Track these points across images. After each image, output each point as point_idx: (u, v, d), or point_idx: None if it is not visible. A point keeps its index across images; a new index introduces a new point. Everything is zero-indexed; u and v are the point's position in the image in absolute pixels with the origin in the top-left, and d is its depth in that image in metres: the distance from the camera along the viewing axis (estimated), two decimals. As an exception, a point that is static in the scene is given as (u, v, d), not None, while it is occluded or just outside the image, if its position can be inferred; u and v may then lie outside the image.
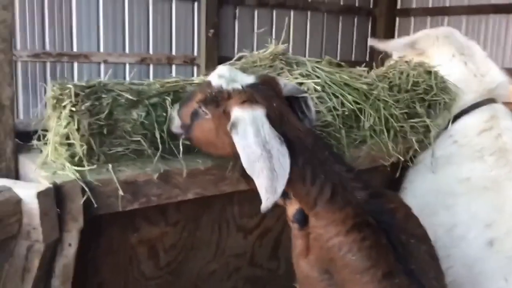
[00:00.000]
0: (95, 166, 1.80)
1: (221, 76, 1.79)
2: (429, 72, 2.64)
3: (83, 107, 1.74)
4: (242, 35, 7.92)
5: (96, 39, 6.86)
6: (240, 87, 1.76)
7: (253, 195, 2.09)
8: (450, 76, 2.82)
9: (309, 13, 8.56)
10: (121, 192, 1.82)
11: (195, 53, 7.58)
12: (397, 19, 8.98)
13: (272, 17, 8.21)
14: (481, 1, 7.70)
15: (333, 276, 1.82)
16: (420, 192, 2.65)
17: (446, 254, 2.41)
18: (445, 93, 2.61)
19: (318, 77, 2.17)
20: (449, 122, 2.72)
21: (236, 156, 1.75)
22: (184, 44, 7.48)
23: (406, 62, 2.68)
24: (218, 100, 1.76)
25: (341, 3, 8.96)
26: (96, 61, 6.85)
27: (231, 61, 2.29)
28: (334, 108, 2.14)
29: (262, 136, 1.64)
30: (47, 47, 6.59)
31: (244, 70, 2.20)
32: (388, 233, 1.74)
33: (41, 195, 1.64)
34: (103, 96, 1.82)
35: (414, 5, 8.76)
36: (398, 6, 9.06)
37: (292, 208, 1.97)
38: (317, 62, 2.31)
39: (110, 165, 1.84)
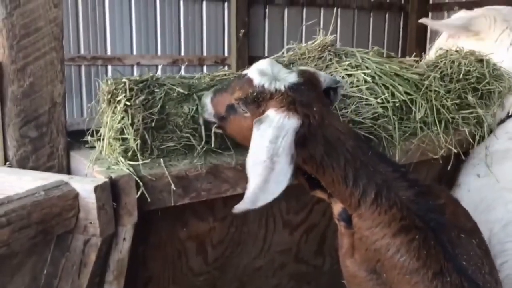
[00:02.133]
0: (148, 160, 1.80)
1: (264, 74, 1.73)
2: (480, 61, 2.55)
3: (137, 101, 1.74)
4: (272, 34, 7.91)
5: (129, 41, 6.96)
6: (282, 88, 1.70)
7: (300, 190, 2.08)
8: (506, 66, 2.69)
9: (339, 10, 8.47)
10: (173, 187, 1.81)
11: (226, 53, 7.60)
12: (430, 14, 8.80)
13: (302, 15, 8.17)
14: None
15: (381, 276, 1.78)
16: (474, 187, 2.57)
17: (502, 249, 2.33)
18: (499, 81, 2.51)
19: (368, 68, 2.13)
20: (504, 117, 2.61)
21: None
22: (215, 45, 7.52)
23: (457, 51, 2.59)
24: (259, 101, 1.72)
25: (372, -1, 8.86)
26: (129, 63, 6.94)
27: (278, 54, 2.26)
28: (386, 99, 2.08)
29: (276, 146, 1.60)
30: (82, 51, 6.69)
31: (292, 62, 2.18)
32: (437, 231, 1.70)
33: (98, 189, 1.64)
34: (156, 90, 1.82)
35: (446, -1, 8.59)
36: (431, 1, 8.89)
37: (338, 206, 1.93)
38: (365, 53, 2.26)
39: (162, 160, 1.84)
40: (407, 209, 1.68)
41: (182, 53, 7.29)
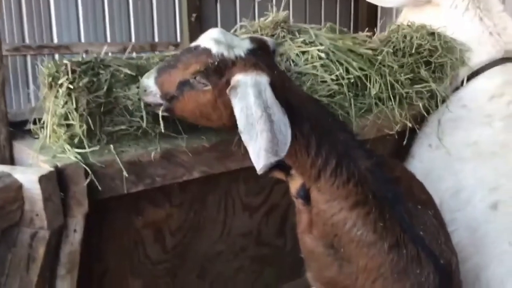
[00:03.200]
0: (97, 147, 1.70)
1: (219, 42, 1.66)
2: (432, 34, 2.56)
3: (80, 84, 1.64)
4: (224, 18, 7.80)
5: (77, 29, 6.71)
6: (242, 53, 1.65)
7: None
8: (462, 33, 2.69)
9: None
10: (125, 173, 1.73)
11: (178, 39, 7.44)
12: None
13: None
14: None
15: (339, 250, 1.77)
16: (426, 158, 2.60)
17: (451, 218, 2.37)
18: (450, 53, 2.53)
19: (322, 44, 2.09)
20: (459, 84, 2.63)
21: (229, 127, 1.67)
22: (167, 30, 7.35)
23: (409, 25, 2.59)
24: (221, 70, 1.64)
25: (323, -18, 8.84)
26: (77, 52, 6.67)
27: (231, 31, 2.19)
28: (340, 75, 2.06)
29: (264, 99, 1.55)
30: (27, 40, 6.41)
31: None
32: (393, 203, 1.70)
33: (43, 180, 1.54)
34: (101, 72, 1.72)
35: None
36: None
37: (295, 184, 1.90)
38: (319, 29, 2.22)
39: (112, 146, 1.75)
40: (364, 181, 1.66)
41: (133, 40, 7.08)
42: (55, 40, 6.60)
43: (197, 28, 7.28)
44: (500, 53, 2.71)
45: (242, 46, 1.67)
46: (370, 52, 2.21)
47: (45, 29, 6.49)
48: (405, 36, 2.44)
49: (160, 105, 1.76)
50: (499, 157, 2.42)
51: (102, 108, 1.73)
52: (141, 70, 1.81)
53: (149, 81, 1.74)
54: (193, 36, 7.24)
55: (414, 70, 2.38)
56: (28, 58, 6.47)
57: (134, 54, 6.97)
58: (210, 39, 1.68)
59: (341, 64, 2.11)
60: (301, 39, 2.12)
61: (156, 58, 1.89)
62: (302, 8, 8.67)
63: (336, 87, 2.06)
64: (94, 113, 1.71)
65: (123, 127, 1.76)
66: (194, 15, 7.20)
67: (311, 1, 8.76)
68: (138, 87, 1.77)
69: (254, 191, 2.39)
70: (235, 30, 2.22)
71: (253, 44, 1.70)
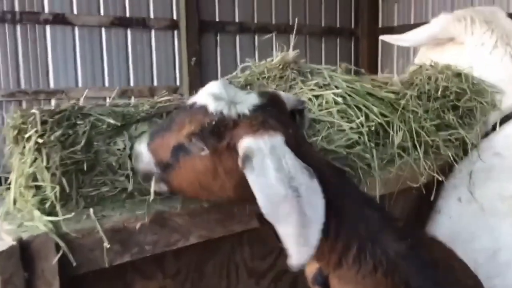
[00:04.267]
0: (72, 214, 1.41)
1: (219, 98, 1.39)
2: (458, 75, 2.30)
3: (52, 137, 1.36)
4: (224, 62, 7.72)
5: (74, 73, 6.57)
6: (247, 110, 1.37)
7: (265, 232, 1.76)
8: (491, 73, 2.45)
9: (291, 36, 8.37)
10: (106, 244, 1.44)
11: (178, 83, 7.30)
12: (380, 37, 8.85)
13: (254, 42, 8.03)
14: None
15: None
16: (456, 213, 2.30)
17: (490, 286, 2.05)
18: (480, 96, 2.26)
19: (337, 87, 1.83)
20: (489, 129, 2.37)
21: (237, 200, 1.39)
22: (166, 74, 7.24)
23: (432, 65, 2.33)
24: (220, 131, 1.35)
25: (323, 24, 8.82)
26: (75, 97, 6.48)
27: (233, 74, 1.94)
28: (361, 123, 1.78)
29: (286, 171, 1.26)
30: (22, 85, 6.26)
31: (250, 83, 1.86)
32: None
33: (2, 257, 1.24)
34: (79, 122, 1.45)
35: (396, 23, 8.64)
36: (380, 25, 8.94)
37: (311, 267, 1.58)
38: (333, 70, 1.96)
39: (91, 210, 1.46)
40: (395, 270, 1.34)
41: (132, 84, 6.93)
42: (52, 85, 6.45)
43: (197, 72, 7.19)
44: None
45: (247, 101, 1.39)
46: (392, 95, 1.94)
47: (42, 74, 6.40)
48: (429, 78, 2.18)
49: (154, 174, 1.51)
50: None
51: (79, 166, 1.45)
52: (127, 119, 1.54)
53: (141, 146, 1.48)
54: (193, 80, 7.12)
55: (440, 116, 2.12)
56: (24, 104, 6.30)
57: (132, 99, 6.80)
58: (208, 94, 1.40)
59: (360, 110, 1.84)
60: (314, 82, 1.86)
61: (146, 105, 1.62)
62: (303, 49, 8.60)
63: (355, 136, 1.78)
64: (70, 172, 1.43)
65: (105, 188, 1.47)
66: (193, 59, 7.11)
67: (312, 49, 8.72)
68: (124, 140, 1.49)
69: (260, 254, 2.09)
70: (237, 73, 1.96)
71: (261, 99, 1.41)
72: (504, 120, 2.42)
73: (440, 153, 2.12)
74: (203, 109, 1.38)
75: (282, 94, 1.54)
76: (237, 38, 7.90)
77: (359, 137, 1.80)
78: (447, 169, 2.24)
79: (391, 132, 1.90)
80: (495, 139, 2.39)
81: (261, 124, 1.33)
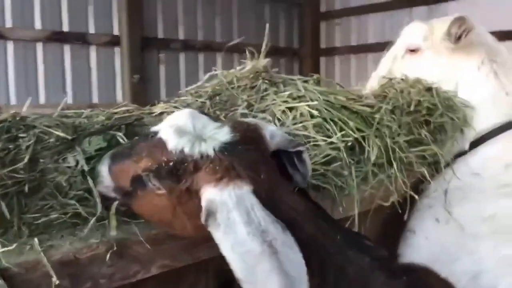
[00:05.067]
0: (14, 245, 1.17)
1: (182, 132, 1.21)
2: (429, 89, 2.22)
3: (-11, 153, 1.12)
4: (169, 79, 7.52)
5: (6, 90, 6.12)
6: (212, 151, 1.19)
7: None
8: (475, 92, 2.35)
9: (236, 55, 8.33)
10: (55, 279, 1.21)
11: (120, 100, 7.00)
12: (322, 58, 8.97)
13: (197, 60, 7.90)
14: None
15: None
16: (434, 234, 2.20)
17: None
18: (452, 111, 2.19)
19: (312, 100, 1.69)
20: (466, 148, 2.29)
21: (201, 238, 1.25)
22: (107, 92, 6.91)
23: (402, 79, 2.24)
24: (178, 173, 1.19)
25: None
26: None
27: (199, 84, 1.75)
28: (338, 138, 1.65)
29: (256, 223, 1.10)
30: None
31: (218, 93, 1.68)
32: None
33: None
34: (21, 135, 1.21)
35: (337, 44, 8.80)
36: (323, 46, 9.08)
37: None
38: (304, 81, 1.82)
39: (36, 240, 1.23)
40: None
41: (70, 101, 6.56)
42: (-18, 103, 5.98)
43: (140, 89, 6.93)
44: None
45: (215, 138, 1.21)
46: (367, 109, 1.82)
47: (-29, 92, 5.89)
48: (402, 91, 2.09)
49: (114, 199, 1.32)
50: None
51: (22, 187, 1.21)
52: (79, 132, 1.31)
53: (102, 168, 1.30)
54: (136, 97, 6.83)
55: (412, 131, 2.02)
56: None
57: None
58: (170, 127, 1.23)
59: (336, 124, 1.71)
60: (287, 93, 1.71)
61: (101, 116, 1.40)
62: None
63: (333, 152, 1.64)
64: (10, 194, 1.19)
65: (53, 214, 1.23)
66: (136, 76, 6.86)
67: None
68: (75, 156, 1.27)
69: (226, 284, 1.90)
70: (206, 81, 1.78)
71: (233, 135, 1.23)
72: (483, 139, 2.33)
73: (413, 170, 2.02)
74: (162, 144, 1.21)
75: (264, 126, 1.35)
76: (181, 55, 7.73)
77: (337, 153, 1.66)
78: (420, 188, 2.15)
79: (368, 148, 1.77)
80: (474, 160, 2.30)
81: (225, 170, 1.16)
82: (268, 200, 1.17)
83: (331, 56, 8.84)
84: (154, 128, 1.26)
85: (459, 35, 2.37)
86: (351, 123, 1.74)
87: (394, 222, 2.29)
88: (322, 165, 1.65)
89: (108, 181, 1.29)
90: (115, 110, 1.46)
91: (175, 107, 1.51)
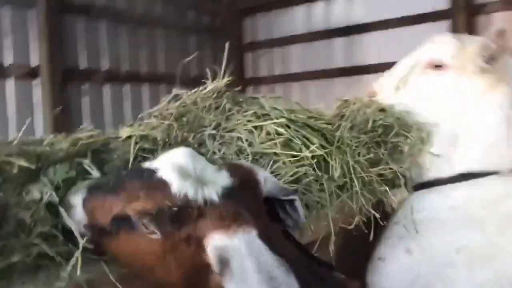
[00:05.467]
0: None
1: (185, 174, 1.13)
2: (382, 110, 2.23)
3: None
4: (93, 112, 7.20)
5: None
6: (215, 196, 1.13)
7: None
8: (486, 131, 2.20)
9: (164, 85, 8.17)
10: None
11: (41, 134, 6.58)
12: (249, 88, 9.06)
13: (122, 91, 7.66)
14: (327, 66, 8.05)
15: None
16: (407, 264, 2.16)
17: None
18: (407, 131, 2.19)
19: (277, 118, 1.65)
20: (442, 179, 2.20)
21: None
22: (26, 126, 6.44)
23: (357, 99, 2.24)
24: (182, 219, 1.11)
25: (194, 74, 8.80)
26: None
27: (161, 105, 1.65)
28: (306, 157, 1.62)
29: (265, 270, 1.05)
30: None
31: (183, 115, 1.60)
32: None
33: None
34: (-23, 166, 1.06)
35: (262, 74, 8.96)
36: (249, 75, 9.20)
37: None
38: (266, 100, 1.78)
39: (-6, 287, 1.07)
40: None
41: (-16, 137, 6.07)
42: None
43: (62, 122, 6.53)
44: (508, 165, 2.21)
45: (216, 182, 1.15)
46: (329, 127, 1.81)
47: None
48: (358, 110, 2.10)
49: (85, 235, 1.20)
50: (497, 260, 2.02)
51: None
52: (44, 161, 1.17)
53: (75, 199, 1.18)
54: (58, 131, 6.42)
55: (370, 150, 2.02)
56: None
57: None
58: (173, 168, 1.15)
59: (301, 141, 1.68)
60: (251, 112, 1.66)
61: (65, 143, 1.27)
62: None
63: (301, 169, 1.61)
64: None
65: (15, 256, 1.08)
66: (57, 109, 6.51)
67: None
68: (40, 188, 1.13)
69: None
70: (169, 102, 1.68)
71: (233, 180, 1.19)
72: (466, 177, 2.20)
73: (374, 190, 2.01)
74: (165, 186, 1.12)
75: (258, 171, 1.31)
76: (104, 87, 7.46)
77: (306, 171, 1.63)
78: (381, 208, 2.13)
79: (334, 164, 1.75)
80: (454, 194, 2.21)
81: (233, 217, 1.10)
82: (268, 243, 1.10)
83: (257, 86, 8.94)
84: (150, 165, 1.17)
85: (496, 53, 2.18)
86: (315, 140, 1.72)
87: (364, 244, 2.24)
88: (291, 183, 1.61)
89: (80, 215, 1.17)
90: (80, 136, 1.32)
91: (142, 130, 1.41)
